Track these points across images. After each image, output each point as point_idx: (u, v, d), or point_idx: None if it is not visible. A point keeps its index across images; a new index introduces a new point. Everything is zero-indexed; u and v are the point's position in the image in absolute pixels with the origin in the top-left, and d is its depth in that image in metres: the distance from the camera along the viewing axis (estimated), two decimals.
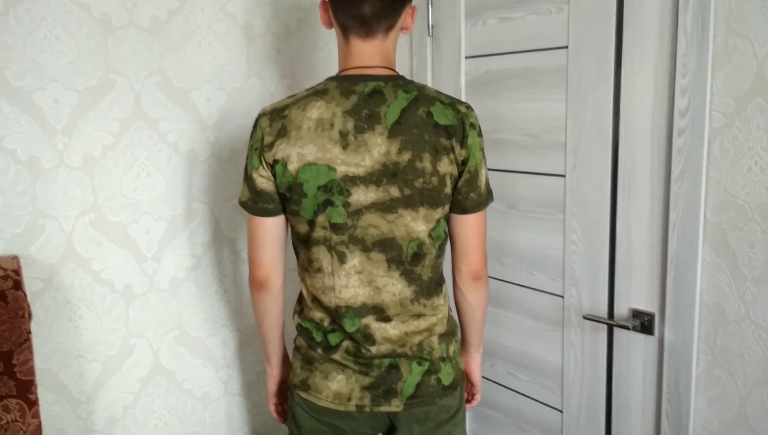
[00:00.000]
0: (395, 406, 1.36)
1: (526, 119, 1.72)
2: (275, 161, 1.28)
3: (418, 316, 1.36)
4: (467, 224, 1.37)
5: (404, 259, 1.32)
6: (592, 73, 1.55)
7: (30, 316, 1.41)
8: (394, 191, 1.27)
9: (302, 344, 1.42)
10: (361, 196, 1.27)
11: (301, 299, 1.44)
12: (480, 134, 1.33)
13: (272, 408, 1.59)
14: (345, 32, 1.31)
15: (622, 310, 1.57)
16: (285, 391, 1.57)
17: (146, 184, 1.69)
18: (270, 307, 1.43)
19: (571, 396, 1.73)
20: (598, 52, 1.53)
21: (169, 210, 1.74)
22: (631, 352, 1.56)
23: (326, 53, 1.98)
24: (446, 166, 1.28)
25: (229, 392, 1.91)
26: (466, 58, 1.86)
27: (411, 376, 1.36)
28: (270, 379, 1.56)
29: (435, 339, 1.38)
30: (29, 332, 1.40)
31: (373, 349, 1.34)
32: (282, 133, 1.27)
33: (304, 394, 1.40)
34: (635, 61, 1.46)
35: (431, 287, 1.37)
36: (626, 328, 1.51)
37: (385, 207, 1.28)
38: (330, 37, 1.98)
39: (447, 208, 1.34)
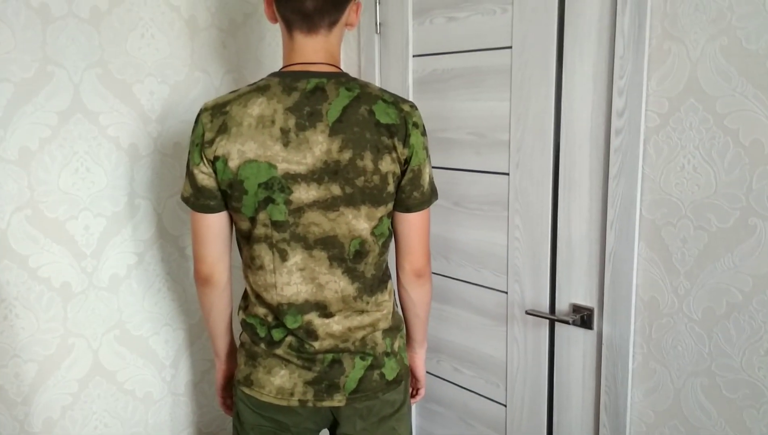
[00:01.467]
0: (338, 400, 1.36)
1: (471, 118, 1.74)
2: (216, 158, 1.26)
3: (361, 311, 1.36)
4: (410, 222, 1.38)
5: (346, 256, 1.32)
6: (535, 73, 1.58)
7: None
8: (336, 189, 1.27)
9: (246, 340, 1.41)
10: (303, 193, 1.27)
11: (245, 295, 1.43)
12: (424, 133, 1.34)
13: (221, 402, 1.57)
14: (288, 27, 1.30)
15: (563, 305, 1.60)
16: (232, 384, 1.56)
17: (85, 179, 1.65)
18: (216, 303, 1.42)
19: (514, 390, 1.76)
20: (540, 52, 1.56)
21: (110, 206, 1.70)
22: (572, 347, 1.60)
23: (273, 48, 1.96)
24: (388, 165, 1.29)
25: (173, 392, 1.88)
26: (414, 56, 1.87)
27: (354, 370, 1.36)
28: (219, 373, 1.55)
29: (379, 334, 1.39)
30: None
31: (316, 345, 1.34)
32: (222, 130, 1.26)
33: (247, 390, 1.39)
34: (575, 61, 1.49)
35: (375, 284, 1.38)
36: (566, 322, 1.55)
37: (327, 205, 1.28)
38: (277, 32, 1.96)
39: (390, 206, 1.34)
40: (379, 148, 1.27)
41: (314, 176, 1.26)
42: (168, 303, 1.83)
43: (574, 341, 1.59)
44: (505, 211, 1.70)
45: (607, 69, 1.43)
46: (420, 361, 1.57)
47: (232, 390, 1.56)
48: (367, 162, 1.27)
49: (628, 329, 1.46)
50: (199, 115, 1.30)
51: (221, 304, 1.43)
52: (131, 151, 1.72)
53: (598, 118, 1.47)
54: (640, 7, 1.35)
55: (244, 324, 1.41)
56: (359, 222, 1.31)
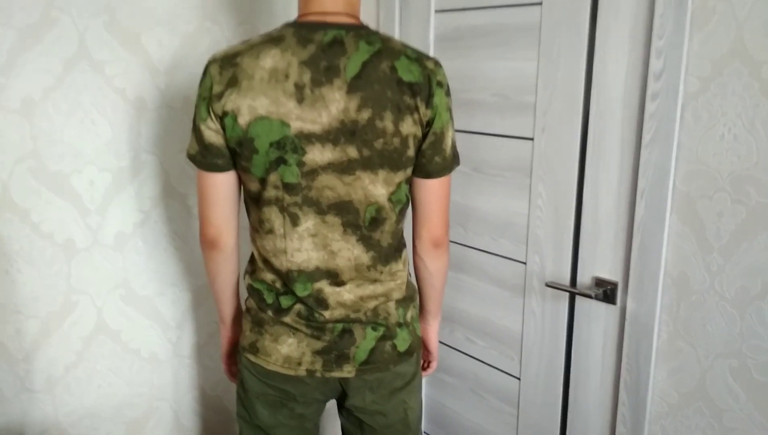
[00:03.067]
0: (347, 371, 1.30)
1: (496, 79, 1.65)
2: (224, 113, 1.19)
3: (374, 281, 1.30)
4: (430, 189, 1.30)
5: (362, 223, 1.25)
6: (566, 32, 1.48)
7: None
8: (352, 152, 1.20)
9: (252, 306, 1.35)
10: (317, 155, 1.19)
11: (252, 260, 1.37)
12: (448, 93, 1.26)
13: (226, 369, 1.53)
14: None
15: (585, 278, 1.53)
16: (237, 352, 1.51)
17: (90, 131, 1.58)
18: (222, 267, 1.36)
19: (529, 363, 1.70)
20: (572, 9, 1.46)
21: (115, 161, 1.63)
22: (592, 322, 1.53)
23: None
24: (409, 127, 1.21)
25: (179, 354, 1.84)
26: (436, 12, 1.77)
27: (364, 341, 1.30)
28: (224, 339, 1.49)
29: (392, 304, 1.33)
30: None
31: (326, 314, 1.28)
32: (232, 83, 1.18)
33: (252, 357, 1.33)
34: (610, 20, 1.39)
35: (390, 253, 1.31)
36: (589, 296, 1.48)
37: (342, 168, 1.21)
38: None
39: (409, 171, 1.27)
40: (400, 108, 1.19)
41: (329, 137, 1.19)
42: (175, 263, 1.78)
43: (595, 316, 1.52)
44: (527, 179, 1.62)
45: (645, 28, 1.34)
46: (433, 333, 1.51)
47: (237, 356, 1.51)
48: (387, 123, 1.19)
49: (654, 306, 1.39)
50: (207, 67, 1.22)
51: (228, 268, 1.37)
52: (138, 104, 1.64)
53: (633, 81, 1.37)
54: None
55: (251, 289, 1.35)
56: (376, 187, 1.23)
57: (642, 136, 1.36)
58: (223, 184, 1.27)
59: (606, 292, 1.48)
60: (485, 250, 1.76)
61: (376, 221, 1.26)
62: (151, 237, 1.73)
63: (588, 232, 1.51)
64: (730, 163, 1.25)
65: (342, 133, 1.18)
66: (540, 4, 1.53)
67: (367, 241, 1.27)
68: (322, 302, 1.28)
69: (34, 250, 1.54)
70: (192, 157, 1.26)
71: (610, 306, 1.49)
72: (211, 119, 1.20)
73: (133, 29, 1.60)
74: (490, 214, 1.73)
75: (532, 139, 1.59)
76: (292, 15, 1.84)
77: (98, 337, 1.68)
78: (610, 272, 1.48)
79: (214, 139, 1.22)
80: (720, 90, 1.24)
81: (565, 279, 1.57)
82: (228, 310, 1.45)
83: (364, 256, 1.27)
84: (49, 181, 1.54)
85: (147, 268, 1.73)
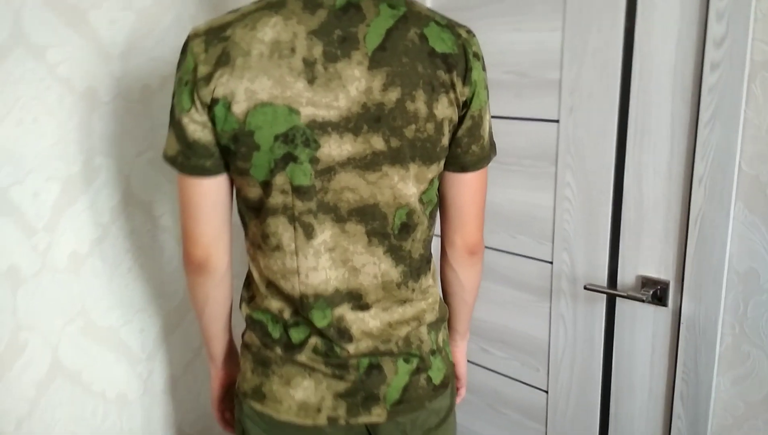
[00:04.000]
0: (376, 415, 1.07)
1: (510, 52, 1.44)
2: (214, 100, 0.93)
3: (404, 301, 1.07)
4: (466, 185, 1.07)
5: (390, 231, 1.02)
6: None
7: None
8: (378, 142, 0.96)
9: (253, 341, 1.09)
10: (334, 148, 0.95)
11: (250, 284, 1.11)
12: (484, 68, 1.03)
13: (218, 416, 1.27)
14: None
15: (628, 277, 1.35)
16: (232, 394, 1.26)
17: (32, 132, 1.28)
18: (213, 295, 1.10)
19: (558, 375, 1.51)
20: None
21: (64, 166, 1.34)
22: (638, 326, 1.35)
23: None
24: (445, 109, 0.98)
25: (150, 391, 1.56)
26: None
27: (397, 377, 1.07)
28: (215, 381, 1.24)
29: (424, 329, 1.10)
30: None
31: (350, 348, 1.04)
32: (223, 61, 0.92)
33: (258, 406, 1.08)
34: None
35: (421, 266, 1.08)
36: (639, 299, 1.29)
37: (366, 163, 0.97)
38: None
39: (442, 164, 1.04)
40: (434, 85, 0.96)
41: (349, 125, 0.94)
42: (141, 284, 1.50)
43: (641, 320, 1.34)
44: (552, 167, 1.43)
45: None
46: (462, 357, 1.29)
47: (231, 401, 1.26)
48: (420, 104, 0.96)
49: (717, 306, 1.22)
50: (187, 43, 0.96)
51: (219, 295, 1.11)
52: (89, 96, 1.35)
53: (687, 50, 1.19)
54: None
55: (250, 321, 1.10)
56: (407, 186, 1.00)
57: (699, 113, 1.18)
58: (211, 192, 1.01)
59: (656, 292, 1.30)
60: (501, 249, 1.56)
61: (407, 228, 1.03)
62: (112, 255, 1.44)
63: (630, 226, 1.32)
64: None
65: (364, 119, 0.94)
66: None
67: (396, 253, 1.04)
68: (344, 333, 1.04)
69: None
70: (171, 159, 0.99)
71: (660, 308, 1.31)
72: (196, 109, 0.94)
73: (80, 5, 1.31)
74: (506, 208, 1.53)
75: (557, 121, 1.40)
76: None
77: (55, 381, 1.39)
78: (659, 270, 1.30)
79: (200, 135, 0.96)
80: None
81: (602, 279, 1.39)
82: (219, 346, 1.20)
83: (393, 272, 1.04)
84: None
85: (109, 293, 1.45)
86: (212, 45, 0.93)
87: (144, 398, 1.55)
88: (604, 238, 1.37)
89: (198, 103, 0.94)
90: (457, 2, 1.50)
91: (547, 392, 1.55)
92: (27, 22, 1.25)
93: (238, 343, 1.20)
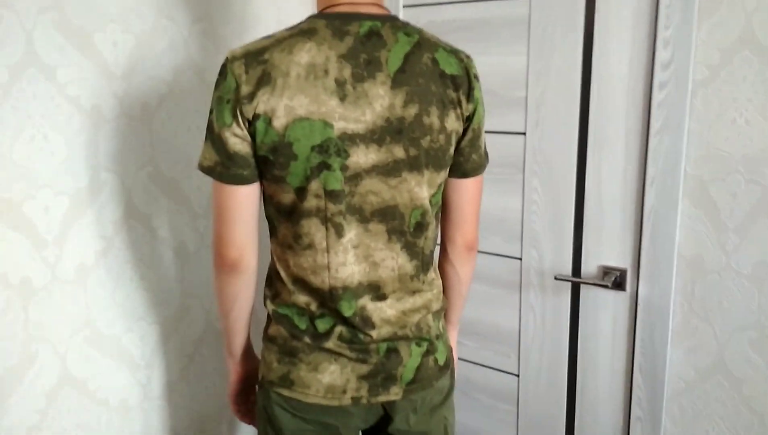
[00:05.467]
0: (394, 394, 1.20)
1: (482, 74, 1.62)
2: (255, 116, 1.05)
3: (414, 292, 1.21)
4: (466, 189, 1.24)
5: (406, 229, 1.16)
6: (559, 25, 1.49)
7: None
8: (399, 151, 1.11)
9: (279, 334, 1.20)
10: (361, 157, 1.09)
11: (273, 282, 1.22)
12: (480, 88, 1.21)
13: (235, 409, 1.36)
14: None
15: (590, 268, 1.55)
16: (248, 387, 1.35)
17: (44, 149, 1.34)
18: (242, 294, 1.20)
19: (529, 359, 1.69)
20: (565, 2, 1.47)
21: (72, 182, 1.39)
22: (600, 310, 1.55)
23: None
24: (453, 123, 1.14)
25: (149, 396, 1.61)
26: (405, 6, 1.71)
27: (411, 359, 1.21)
28: (234, 375, 1.33)
29: (430, 316, 1.25)
30: None
31: (374, 334, 1.17)
32: (264, 81, 1.04)
33: (286, 392, 1.19)
34: (611, 13, 1.42)
35: (429, 260, 1.24)
36: (603, 286, 1.50)
37: (388, 170, 1.11)
38: None
39: (447, 171, 1.20)
40: (444, 102, 1.12)
41: (374, 136, 1.09)
42: (141, 294, 1.56)
43: (603, 304, 1.55)
44: (520, 174, 1.61)
45: (650, 20, 1.38)
46: (454, 344, 1.45)
47: (247, 394, 1.36)
48: (434, 119, 1.11)
49: (668, 288, 1.44)
50: (226, 66, 1.07)
51: (248, 293, 1.21)
52: (94, 114, 1.42)
53: (638, 72, 1.41)
54: None
55: (276, 316, 1.21)
56: (422, 189, 1.15)
57: (650, 125, 1.40)
58: (247, 198, 1.12)
59: (615, 279, 1.51)
60: None
61: (421, 226, 1.18)
62: (116, 266, 1.50)
63: (592, 223, 1.53)
64: (742, 146, 1.32)
65: (387, 131, 1.09)
66: None
67: (411, 249, 1.18)
68: (367, 321, 1.17)
69: None
70: (209, 169, 1.10)
71: (619, 292, 1.52)
72: (238, 124, 1.06)
73: (85, 28, 1.38)
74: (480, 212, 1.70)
75: (524, 133, 1.59)
76: (250, 10, 1.71)
77: (63, 390, 1.43)
78: (617, 260, 1.51)
79: (240, 147, 1.07)
80: (730, 77, 1.31)
81: (567, 271, 1.59)
82: (241, 340, 1.29)
83: (408, 265, 1.19)
84: None
85: (113, 303, 1.50)
86: (252, 67, 1.05)
87: (143, 404, 1.60)
88: (569, 234, 1.57)
89: (240, 118, 1.05)
90: (430, 29, 1.67)
91: (518, 376, 1.73)
92: (38, 43, 1.31)
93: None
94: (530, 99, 1.56)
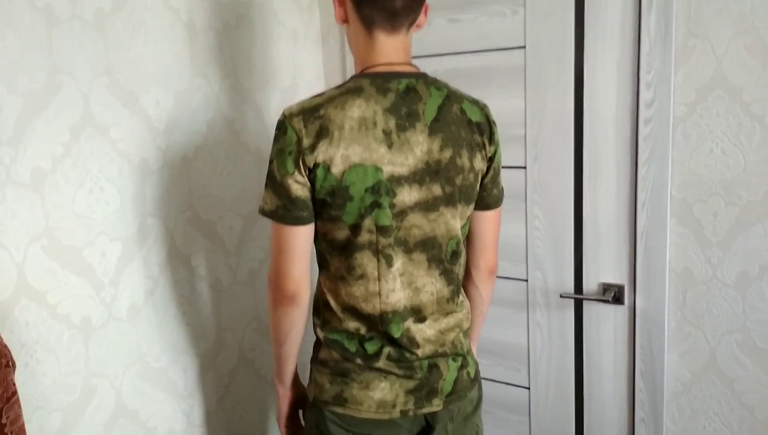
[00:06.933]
0: (435, 405, 1.35)
1: None
2: (316, 165, 1.21)
3: (448, 313, 1.37)
4: (488, 220, 1.42)
5: (444, 257, 1.33)
6: (552, 72, 1.68)
7: (14, 365, 1.17)
8: (437, 189, 1.28)
9: (331, 357, 1.34)
10: (406, 196, 1.26)
11: (321, 311, 1.37)
12: (498, 132, 1.39)
13: (285, 432, 1.49)
14: (369, 27, 1.27)
15: (591, 285, 1.73)
16: (296, 411, 1.49)
17: (100, 199, 1.48)
18: (297, 323, 1.34)
19: (538, 372, 1.85)
20: (557, 52, 1.67)
21: (124, 228, 1.53)
22: (602, 323, 1.72)
23: (263, 51, 1.88)
24: (479, 163, 1.32)
25: (192, 423, 1.73)
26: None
27: (449, 373, 1.37)
28: (283, 400, 1.46)
29: (462, 334, 1.41)
30: (15, 384, 1.16)
31: (419, 352, 1.32)
32: (324, 134, 1.21)
33: (340, 410, 1.33)
34: (598, 59, 1.61)
35: (460, 284, 1.40)
36: (604, 301, 1.67)
37: (428, 206, 1.28)
38: (268, 35, 1.89)
39: (474, 204, 1.37)
40: (472, 145, 1.30)
41: (416, 177, 1.26)
42: (184, 329, 1.69)
43: (604, 318, 1.72)
44: (522, 204, 1.79)
45: (632, 65, 1.57)
46: None
47: (297, 417, 1.49)
48: (465, 160, 1.29)
49: (662, 299, 1.62)
50: (285, 121, 1.23)
51: (301, 323, 1.36)
52: (142, 167, 1.56)
53: (624, 111, 1.60)
54: (666, 9, 1.50)
55: (327, 341, 1.34)
56: (456, 221, 1.32)
57: (638, 156, 1.59)
58: (305, 237, 1.28)
59: (614, 294, 1.68)
60: None
61: (456, 254, 1.35)
62: (161, 304, 1.63)
63: (590, 245, 1.71)
64: (720, 172, 1.51)
65: (427, 172, 1.26)
66: (523, 47, 1.72)
67: (448, 275, 1.34)
68: (413, 341, 1.32)
69: (52, 335, 1.40)
70: (271, 213, 1.25)
71: (619, 306, 1.69)
72: (300, 172, 1.22)
73: (133, 89, 1.53)
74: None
75: (524, 167, 1.77)
76: (270, 65, 1.88)
77: (119, 421, 1.54)
78: (615, 276, 1.69)
79: (300, 193, 1.23)
80: (705, 113, 1.51)
81: (570, 289, 1.76)
82: (291, 368, 1.43)
83: (445, 290, 1.35)
84: (63, 257, 1.41)
85: (160, 338, 1.63)
86: (310, 122, 1.21)
87: (187, 431, 1.72)
88: (569, 255, 1.74)
89: (302, 167, 1.21)
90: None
91: (529, 389, 1.88)
92: (93, 105, 1.46)
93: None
94: (529, 137, 1.74)
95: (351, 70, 2.01)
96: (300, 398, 1.48)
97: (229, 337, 1.83)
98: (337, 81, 2.09)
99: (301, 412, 1.50)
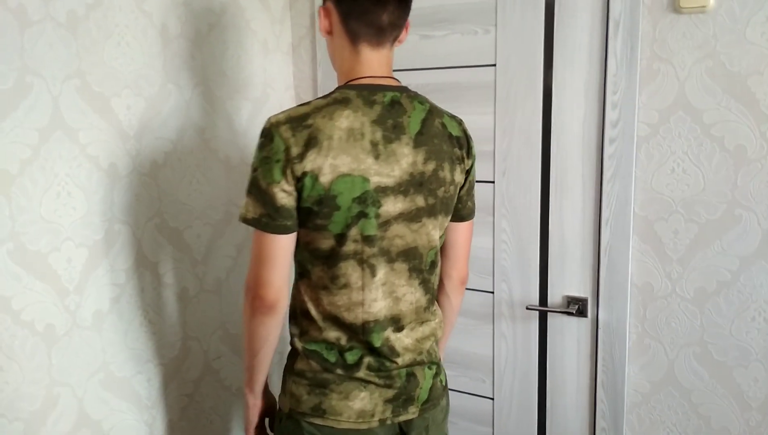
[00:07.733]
0: (411, 413, 1.36)
1: None
2: (304, 174, 1.21)
3: (424, 322, 1.39)
4: (461, 231, 1.44)
5: (423, 267, 1.35)
6: (521, 89, 1.73)
7: None
8: (420, 201, 1.30)
9: (309, 368, 1.33)
10: (390, 206, 1.27)
11: (299, 321, 1.36)
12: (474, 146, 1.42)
13: None
14: (355, 40, 1.29)
15: (555, 298, 1.77)
16: (263, 420, 1.47)
17: (67, 204, 1.45)
18: (273, 333, 1.34)
19: (502, 383, 1.88)
20: (527, 70, 1.71)
21: (91, 234, 1.50)
22: (565, 335, 1.77)
23: (235, 60, 1.87)
24: (458, 176, 1.35)
25: None
26: None
27: (425, 381, 1.38)
28: (253, 409, 1.44)
29: (435, 343, 1.43)
30: None
31: (399, 361, 1.33)
32: (312, 143, 1.21)
33: (319, 421, 1.32)
34: (566, 79, 1.66)
35: (435, 294, 1.42)
36: (569, 313, 1.71)
37: (411, 216, 1.30)
38: (240, 45, 1.88)
39: (451, 216, 1.39)
40: (453, 159, 1.33)
41: (401, 189, 1.27)
42: (149, 337, 1.66)
43: (567, 330, 1.76)
44: (490, 217, 1.82)
45: (599, 86, 1.63)
46: None
47: (263, 428, 1.48)
48: (446, 173, 1.31)
49: (624, 313, 1.67)
50: (271, 130, 1.23)
51: (277, 333, 1.35)
52: (111, 172, 1.54)
53: (590, 129, 1.65)
54: (632, 32, 1.56)
55: (306, 352, 1.33)
56: (436, 232, 1.34)
57: (603, 173, 1.64)
58: (288, 246, 1.27)
59: (578, 307, 1.72)
60: None
61: (434, 264, 1.37)
62: (127, 312, 1.60)
63: (555, 259, 1.75)
64: (681, 191, 1.57)
65: (411, 184, 1.28)
66: (494, 65, 1.76)
67: (426, 284, 1.36)
68: (393, 350, 1.33)
69: (15, 342, 1.36)
70: (254, 221, 1.24)
71: (582, 319, 1.73)
72: (286, 181, 1.21)
73: (104, 93, 1.51)
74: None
75: (492, 181, 1.80)
76: (240, 74, 1.87)
77: (81, 431, 1.50)
78: (579, 290, 1.73)
79: (286, 201, 1.22)
80: (668, 134, 1.57)
81: (535, 302, 1.79)
82: (263, 377, 1.42)
83: (423, 299, 1.36)
84: (28, 262, 1.37)
85: (124, 347, 1.60)
86: (298, 131, 1.21)
87: None
88: (535, 269, 1.78)
89: (289, 176, 1.20)
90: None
91: (493, 399, 1.91)
92: (63, 108, 1.43)
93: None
94: (497, 152, 1.78)
95: (322, 82, 2.02)
96: (269, 408, 1.47)
97: (194, 346, 1.80)
98: (308, 92, 2.10)
99: (268, 421, 1.49)
